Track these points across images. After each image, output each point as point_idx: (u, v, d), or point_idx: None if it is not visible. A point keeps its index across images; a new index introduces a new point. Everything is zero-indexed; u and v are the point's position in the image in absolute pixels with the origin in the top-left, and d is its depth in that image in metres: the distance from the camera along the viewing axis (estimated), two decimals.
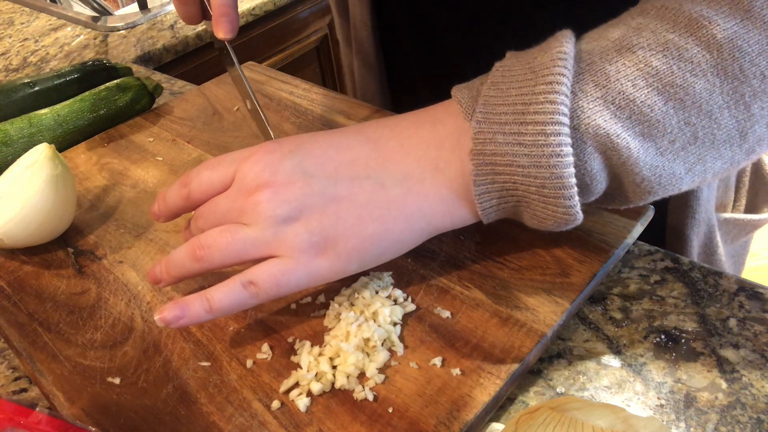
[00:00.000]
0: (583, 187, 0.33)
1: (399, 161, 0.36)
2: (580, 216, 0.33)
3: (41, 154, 0.48)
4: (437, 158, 0.35)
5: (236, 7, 0.47)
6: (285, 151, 0.37)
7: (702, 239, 0.54)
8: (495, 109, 0.32)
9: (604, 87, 0.31)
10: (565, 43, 0.32)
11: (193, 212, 0.41)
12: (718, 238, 0.55)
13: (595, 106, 0.30)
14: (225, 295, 0.36)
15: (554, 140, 0.30)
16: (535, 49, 0.34)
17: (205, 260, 0.37)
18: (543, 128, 0.30)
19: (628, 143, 0.30)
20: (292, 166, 0.36)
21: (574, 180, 0.31)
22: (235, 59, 0.50)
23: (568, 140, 0.30)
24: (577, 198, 0.32)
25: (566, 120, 0.30)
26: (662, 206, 0.50)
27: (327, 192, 0.36)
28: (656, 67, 0.30)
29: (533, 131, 0.30)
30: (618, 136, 0.30)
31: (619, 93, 0.30)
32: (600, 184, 0.33)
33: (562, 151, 0.30)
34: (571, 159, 0.30)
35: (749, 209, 0.62)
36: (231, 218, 0.37)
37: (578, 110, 0.31)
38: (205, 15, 0.49)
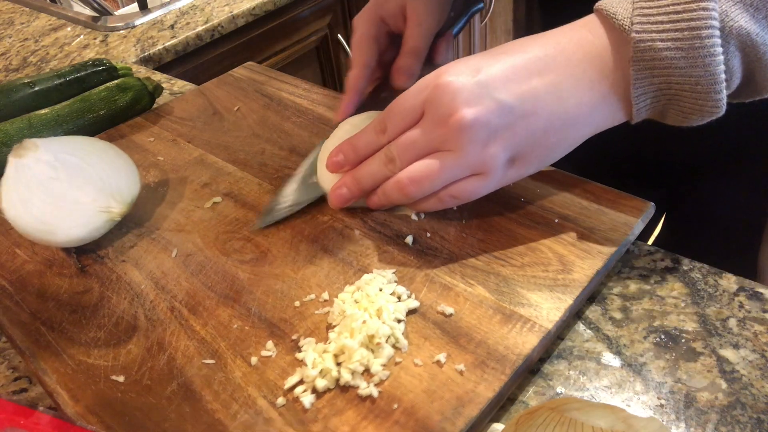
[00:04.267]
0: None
1: (570, 74, 0.40)
2: (725, 107, 0.37)
3: None
4: (601, 67, 0.39)
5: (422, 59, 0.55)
6: (468, 76, 0.40)
7: None
8: (651, 18, 0.36)
9: None
10: None
11: None
12: None
13: (738, 9, 0.35)
14: (433, 206, 0.43)
15: (708, 42, 0.34)
16: None
17: (417, 193, 0.42)
18: (699, 32, 0.34)
19: (765, 40, 0.35)
20: (480, 89, 0.39)
21: (724, 75, 0.36)
22: None
23: (719, 41, 0.35)
24: (725, 92, 0.36)
25: (717, 24, 0.34)
26: (660, 202, 0.50)
27: (515, 110, 0.39)
28: None
29: (689, 36, 0.35)
30: (757, 34, 0.35)
31: None
32: (737, 79, 0.37)
33: (715, 51, 0.35)
34: (722, 58, 0.35)
35: None
36: (433, 148, 0.41)
37: (723, 14, 0.35)
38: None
